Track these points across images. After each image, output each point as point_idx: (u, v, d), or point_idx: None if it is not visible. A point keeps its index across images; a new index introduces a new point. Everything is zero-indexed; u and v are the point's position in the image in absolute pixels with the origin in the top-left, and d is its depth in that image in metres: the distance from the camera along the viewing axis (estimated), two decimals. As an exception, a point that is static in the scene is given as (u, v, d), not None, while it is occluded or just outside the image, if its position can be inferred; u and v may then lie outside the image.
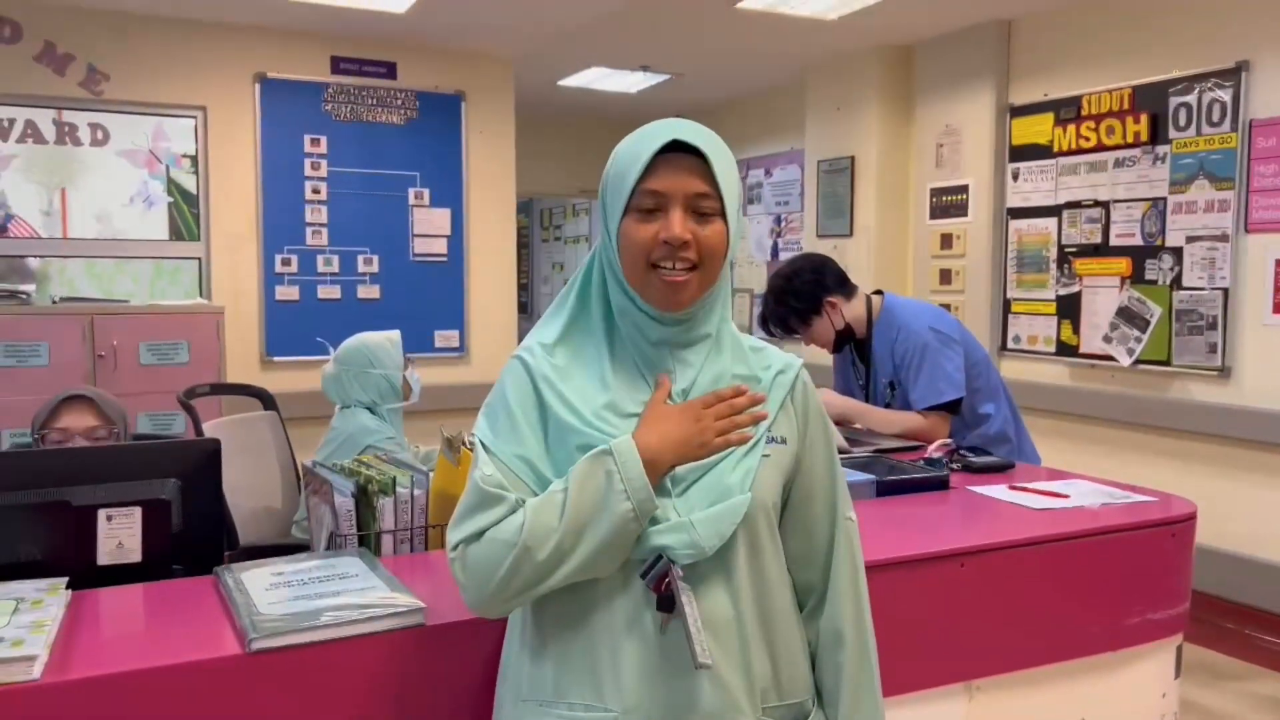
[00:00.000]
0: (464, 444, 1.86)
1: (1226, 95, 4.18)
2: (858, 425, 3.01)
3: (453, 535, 1.24)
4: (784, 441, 1.31)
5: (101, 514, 1.63)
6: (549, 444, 1.26)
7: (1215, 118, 4.23)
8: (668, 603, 1.20)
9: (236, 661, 1.33)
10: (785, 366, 1.35)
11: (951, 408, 2.90)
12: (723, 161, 1.25)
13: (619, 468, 1.19)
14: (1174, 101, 4.39)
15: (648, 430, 1.23)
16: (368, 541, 1.79)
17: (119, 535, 1.64)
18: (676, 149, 1.24)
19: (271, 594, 1.47)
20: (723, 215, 1.25)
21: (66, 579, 1.53)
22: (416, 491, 1.80)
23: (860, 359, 3.12)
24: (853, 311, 3.01)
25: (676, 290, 1.24)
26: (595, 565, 1.21)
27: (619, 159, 1.28)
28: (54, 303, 4.56)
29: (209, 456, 1.79)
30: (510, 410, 1.27)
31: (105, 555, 1.64)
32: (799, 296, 2.98)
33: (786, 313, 2.99)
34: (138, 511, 1.65)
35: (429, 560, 1.78)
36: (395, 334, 3.06)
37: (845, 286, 3.02)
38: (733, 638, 1.24)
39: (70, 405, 2.30)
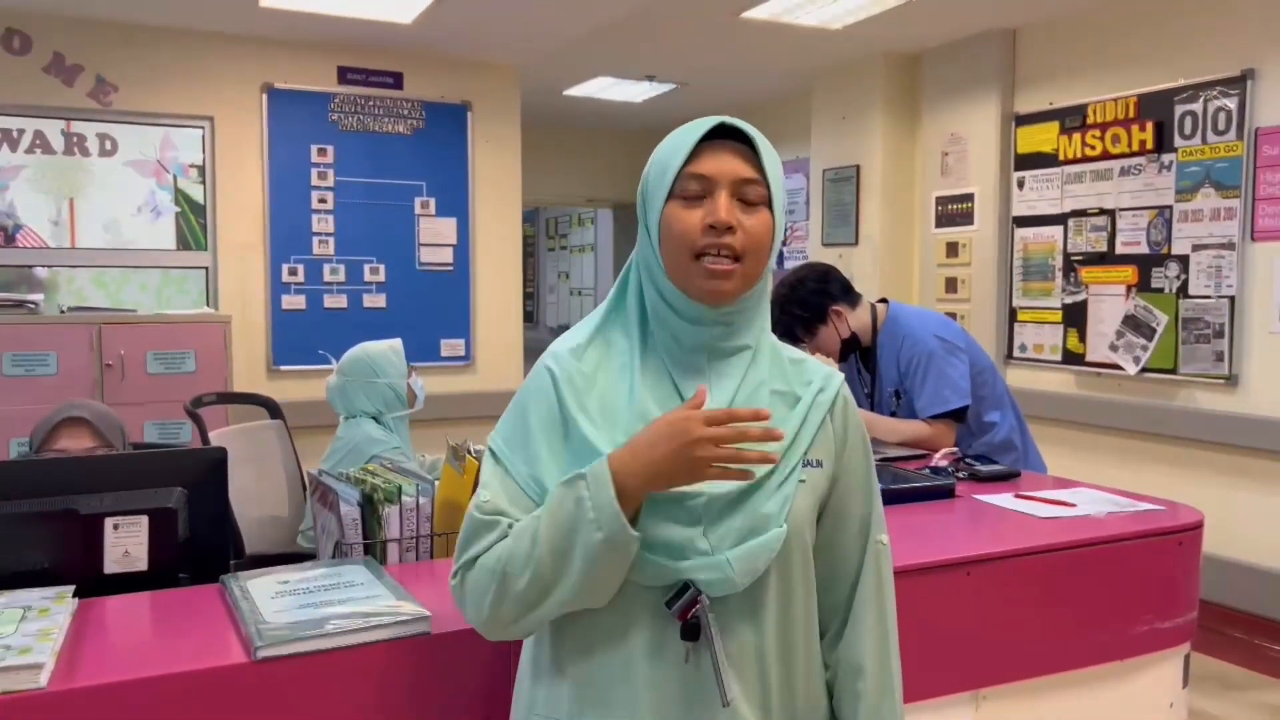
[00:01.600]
0: (469, 453, 1.86)
1: (1232, 103, 4.18)
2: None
3: (455, 563, 1.22)
4: (820, 465, 1.24)
5: (108, 522, 1.64)
6: (570, 458, 1.19)
7: (1221, 126, 4.23)
8: (692, 631, 1.15)
9: (242, 670, 1.33)
10: (826, 383, 1.28)
11: (957, 416, 2.90)
12: (770, 151, 1.22)
13: (590, 493, 1.11)
14: (1179, 110, 4.38)
15: (629, 451, 1.14)
16: (373, 550, 1.79)
17: (125, 544, 1.65)
18: (722, 135, 1.21)
19: (277, 602, 1.47)
20: (769, 206, 1.21)
21: (73, 587, 1.53)
22: (422, 500, 1.81)
23: (865, 368, 3.12)
24: (858, 320, 3.01)
25: (719, 279, 1.18)
26: (586, 595, 1.14)
27: (662, 150, 1.23)
28: (62, 312, 4.58)
29: (215, 465, 1.80)
30: (528, 425, 1.22)
31: (112, 563, 1.64)
32: (804, 305, 2.98)
33: (792, 322, 2.99)
34: (144, 520, 1.66)
35: (434, 569, 1.78)
36: (397, 342, 3.07)
37: (850, 295, 3.03)
38: (753, 668, 1.19)
39: (67, 427, 2.29)
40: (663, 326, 1.24)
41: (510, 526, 1.18)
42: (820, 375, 1.29)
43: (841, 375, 1.32)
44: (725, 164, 1.19)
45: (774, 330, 3.13)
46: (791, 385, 1.27)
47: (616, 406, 1.21)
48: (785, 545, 1.18)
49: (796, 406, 1.24)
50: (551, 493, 1.15)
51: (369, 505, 1.81)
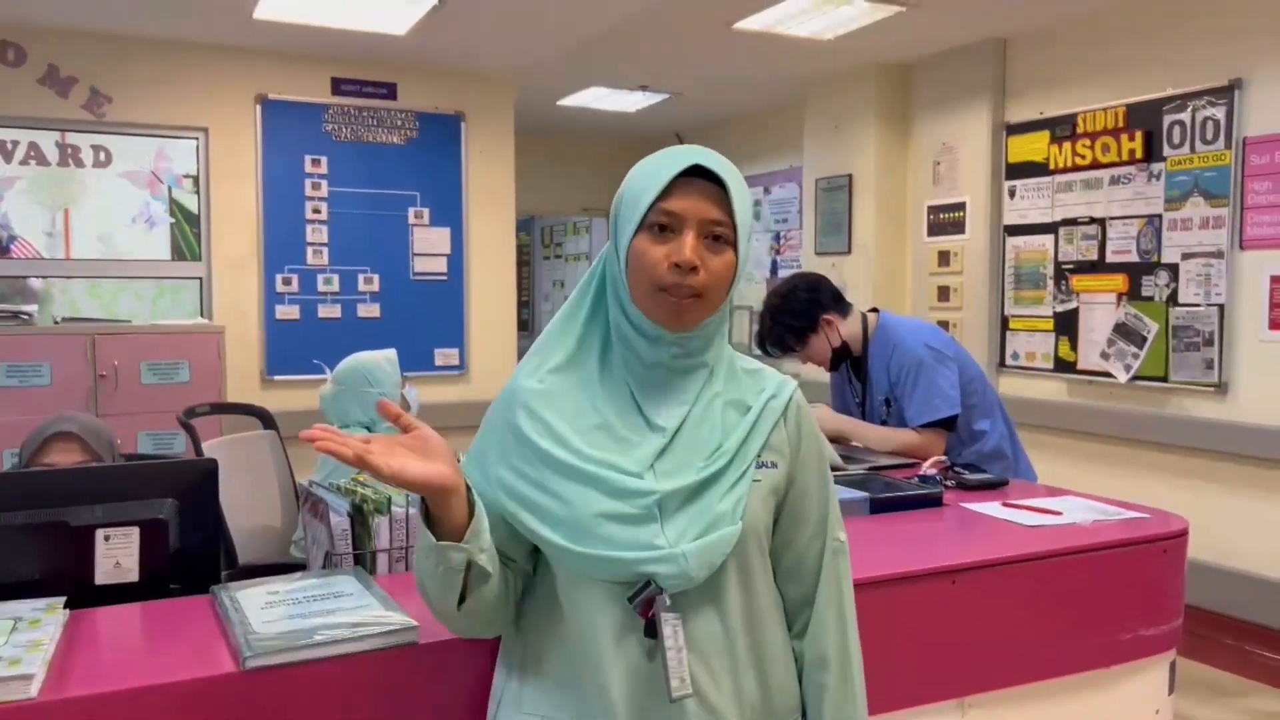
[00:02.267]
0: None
1: (1220, 113, 4.21)
2: (854, 443, 3.02)
3: None
4: (774, 466, 1.31)
5: (99, 534, 1.65)
6: (532, 472, 1.25)
7: (1209, 135, 4.26)
8: (653, 628, 1.21)
9: (231, 680, 1.34)
10: (778, 389, 1.34)
11: (947, 424, 2.92)
12: (740, 192, 1.26)
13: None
14: (1168, 119, 4.42)
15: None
16: (363, 560, 1.80)
17: (116, 555, 1.65)
18: (696, 174, 1.24)
19: (266, 613, 1.48)
20: (734, 246, 1.26)
21: (64, 598, 1.54)
22: (412, 510, 1.82)
23: (856, 377, 3.13)
24: (849, 329, 3.03)
25: (680, 312, 1.24)
26: (440, 597, 1.25)
27: (636, 177, 1.28)
28: (56, 323, 4.59)
29: (206, 476, 1.80)
30: (487, 443, 1.31)
31: (103, 575, 1.65)
32: (795, 315, 3.00)
33: (783, 331, 3.01)
34: (135, 531, 1.67)
35: (424, 579, 1.79)
36: (391, 352, 3.07)
37: (840, 304, 3.05)
38: (723, 661, 1.25)
39: (56, 441, 2.30)
40: (623, 342, 1.30)
41: None
42: (773, 383, 1.35)
43: (795, 382, 1.38)
44: (695, 204, 1.24)
45: (766, 339, 3.14)
46: (744, 394, 1.33)
47: (579, 419, 1.27)
48: (742, 541, 1.24)
49: (749, 413, 1.31)
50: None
51: (359, 515, 1.81)
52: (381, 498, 1.81)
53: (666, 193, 1.23)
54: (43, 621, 1.44)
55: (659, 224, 1.24)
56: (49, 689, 1.27)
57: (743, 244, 1.27)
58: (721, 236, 1.25)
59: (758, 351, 3.12)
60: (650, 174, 1.26)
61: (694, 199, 1.23)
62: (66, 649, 1.40)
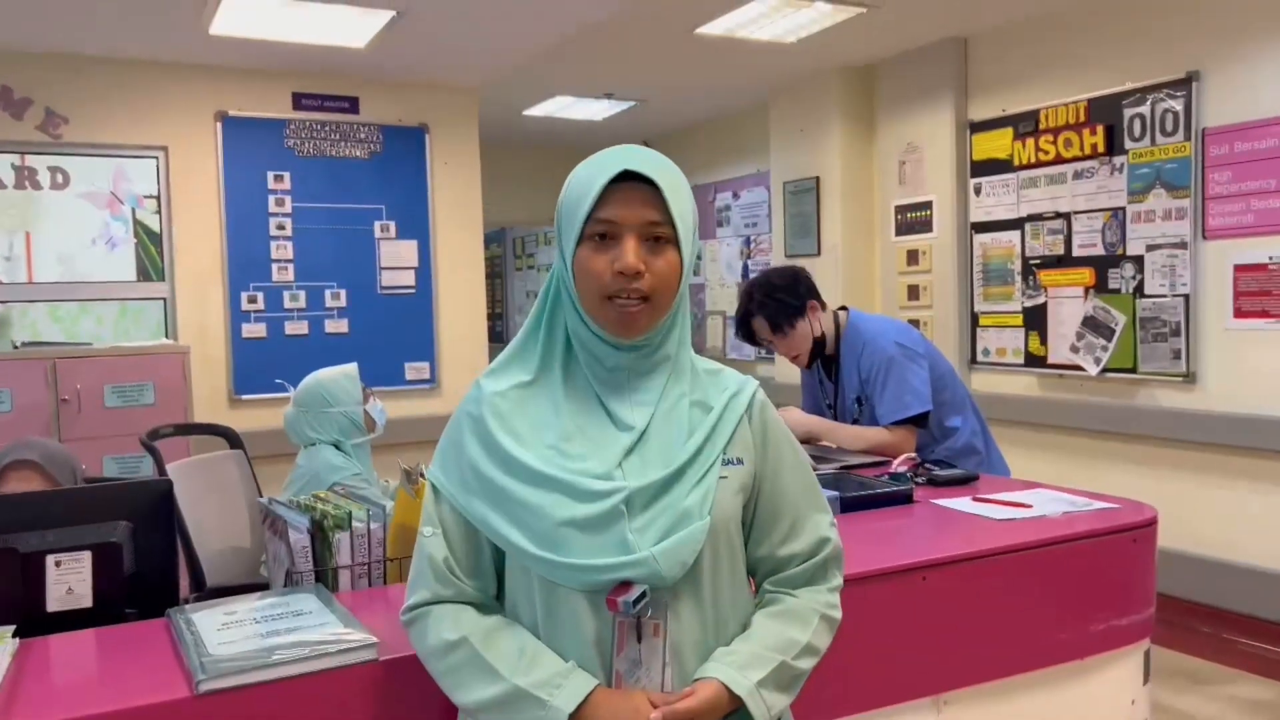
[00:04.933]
0: (422, 475, 1.84)
1: (1179, 105, 4.25)
2: (825, 442, 3.01)
3: (406, 597, 1.30)
4: (740, 462, 1.30)
5: (50, 559, 1.61)
6: (501, 475, 1.25)
7: (1169, 127, 4.29)
8: (636, 630, 1.21)
9: (185, 704, 1.30)
10: (740, 389, 1.34)
11: (918, 421, 2.91)
12: (675, 190, 1.25)
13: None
14: (1128, 113, 4.45)
15: (591, 709, 1.19)
16: (324, 577, 1.77)
17: (68, 580, 1.61)
18: (630, 177, 1.23)
19: (223, 634, 1.45)
20: (676, 244, 1.25)
21: (14, 627, 1.50)
22: (373, 525, 1.79)
23: (828, 376, 3.12)
24: (826, 323, 3.02)
25: (630, 320, 1.24)
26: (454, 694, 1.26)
27: (571, 187, 1.28)
28: (16, 348, 4.51)
29: (162, 497, 1.77)
30: (461, 455, 1.29)
31: (54, 601, 1.61)
32: (789, 293, 2.94)
33: (777, 309, 2.93)
34: (87, 556, 1.63)
35: (388, 594, 1.76)
36: (352, 367, 3.02)
37: (818, 297, 3.02)
38: (699, 654, 1.25)
39: (15, 470, 2.25)
40: (584, 348, 1.29)
41: (463, 605, 1.27)
42: (735, 382, 1.36)
43: (756, 382, 1.38)
44: (631, 209, 1.23)
45: (755, 316, 3.06)
46: (708, 395, 1.33)
47: (544, 423, 1.27)
48: (712, 535, 1.24)
49: (711, 411, 1.30)
50: (508, 678, 1.20)
51: (320, 532, 1.78)
52: (341, 513, 1.78)
53: (602, 201, 1.23)
54: (-11, 652, 1.40)
55: (598, 234, 1.24)
56: (-7, 721, 1.23)
57: (685, 241, 1.26)
58: (662, 237, 1.24)
59: (737, 339, 3.11)
60: (583, 183, 1.26)
61: (629, 204, 1.23)
62: (15, 679, 1.37)
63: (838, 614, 1.35)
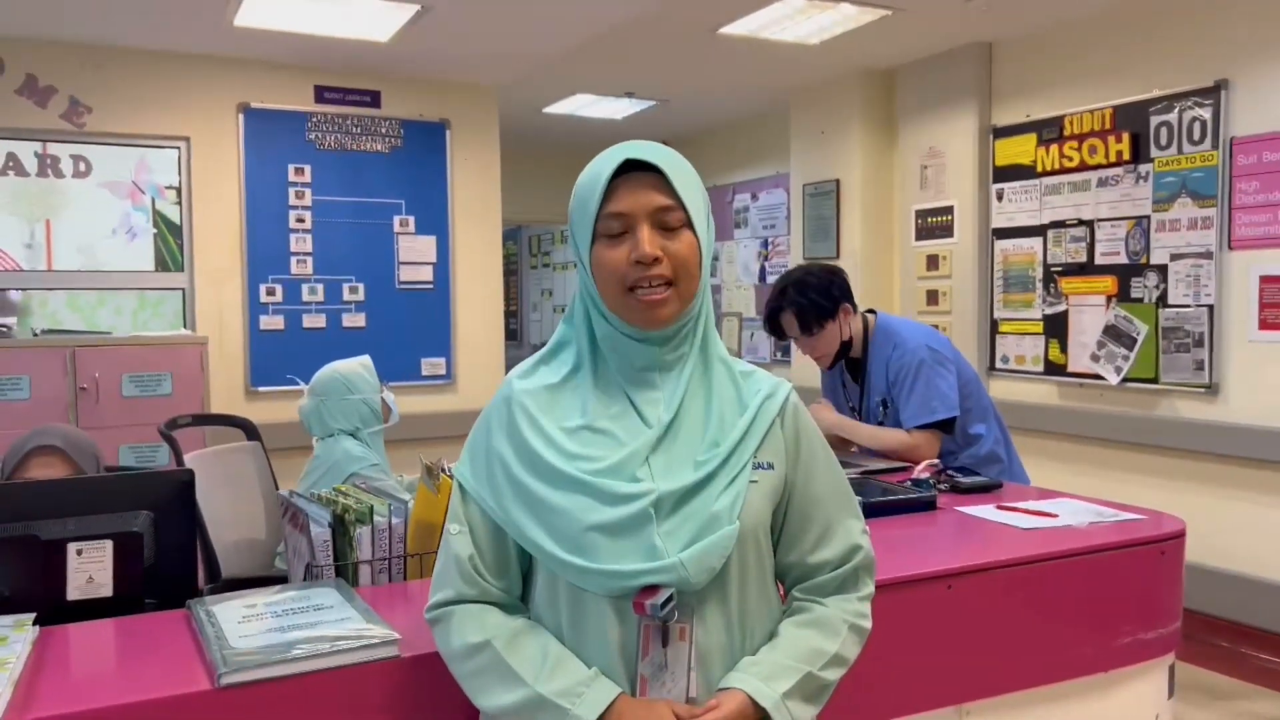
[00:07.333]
0: (444, 471, 1.83)
1: (1207, 113, 4.20)
2: (853, 449, 2.99)
3: (430, 595, 1.29)
4: (771, 467, 1.29)
5: (71, 548, 1.60)
6: (530, 478, 1.24)
7: (1196, 136, 4.25)
8: (663, 635, 1.20)
9: (206, 697, 1.29)
10: (774, 390, 1.32)
11: (943, 427, 2.88)
12: (680, 172, 1.25)
13: None
14: (1155, 120, 4.41)
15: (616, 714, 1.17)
16: (345, 572, 1.75)
17: (89, 569, 1.60)
18: (633, 169, 1.23)
19: (244, 627, 1.44)
20: (690, 226, 1.24)
21: (34, 615, 1.49)
22: (395, 520, 1.77)
23: (853, 378, 3.10)
24: (854, 326, 2.99)
25: (656, 308, 1.23)
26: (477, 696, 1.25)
27: (579, 189, 1.27)
28: (35, 335, 4.52)
29: (182, 488, 1.75)
30: (490, 455, 1.28)
31: (75, 590, 1.60)
32: (822, 294, 2.90)
33: (809, 308, 2.88)
34: (108, 545, 1.62)
35: (408, 590, 1.75)
36: (366, 359, 3.06)
37: (851, 300, 3.00)
38: (725, 660, 1.24)
39: (38, 455, 2.24)
40: (614, 350, 1.28)
41: (487, 603, 1.26)
42: (768, 384, 1.34)
43: (790, 385, 1.36)
44: (640, 197, 1.23)
45: (788, 311, 3.02)
46: (741, 395, 1.31)
47: (572, 422, 1.26)
48: (740, 542, 1.22)
49: (745, 412, 1.29)
50: (530, 685, 1.19)
51: (340, 526, 1.77)
52: (363, 507, 1.76)
53: (609, 196, 1.23)
54: (10, 639, 1.39)
55: (611, 229, 1.24)
56: (14, 710, 1.22)
57: (699, 222, 1.25)
58: (675, 222, 1.24)
59: (748, 355, 3.09)
60: (589, 182, 1.25)
61: (636, 193, 1.23)
62: (35, 668, 1.36)
63: (868, 623, 1.33)
